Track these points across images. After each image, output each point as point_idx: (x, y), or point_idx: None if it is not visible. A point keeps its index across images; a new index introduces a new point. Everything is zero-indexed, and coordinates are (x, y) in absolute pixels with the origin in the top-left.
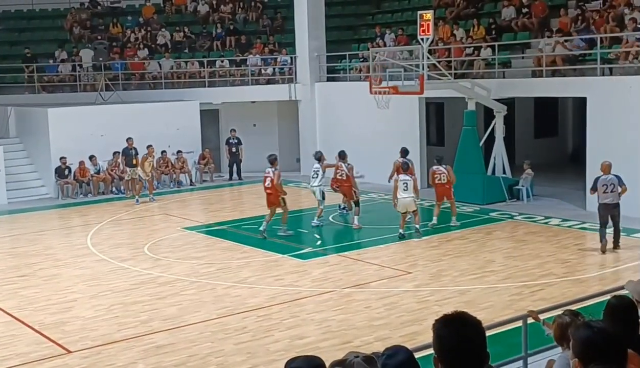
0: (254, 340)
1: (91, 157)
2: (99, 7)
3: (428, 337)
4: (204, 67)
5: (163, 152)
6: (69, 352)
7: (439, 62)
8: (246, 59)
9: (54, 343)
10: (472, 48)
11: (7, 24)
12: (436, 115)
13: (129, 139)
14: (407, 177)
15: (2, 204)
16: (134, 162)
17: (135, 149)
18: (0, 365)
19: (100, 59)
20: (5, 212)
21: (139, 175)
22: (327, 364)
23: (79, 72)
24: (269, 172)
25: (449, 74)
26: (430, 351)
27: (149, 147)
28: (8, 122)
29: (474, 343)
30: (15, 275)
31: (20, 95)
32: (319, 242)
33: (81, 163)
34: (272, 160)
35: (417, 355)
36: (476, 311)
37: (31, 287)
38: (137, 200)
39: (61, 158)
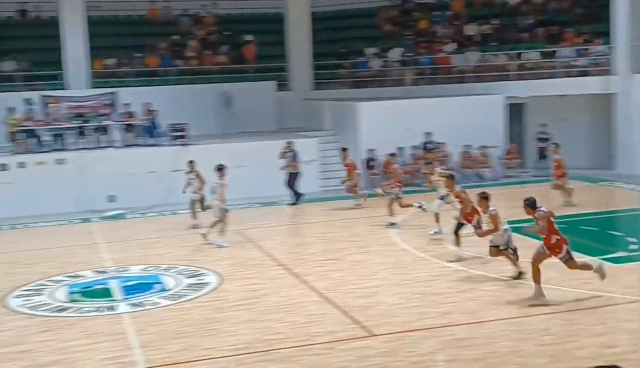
0: (557, 344)
1: (398, 149)
2: (409, 3)
3: None
4: (511, 60)
5: (466, 146)
6: (373, 334)
7: None
8: (555, 51)
9: (358, 325)
10: None
11: (325, 24)
12: None
13: (427, 133)
14: None
15: (316, 191)
16: (430, 156)
17: (433, 142)
18: (312, 340)
19: (409, 54)
20: (318, 199)
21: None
22: None
23: (388, 67)
24: None
25: None
26: None
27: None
28: (324, 116)
29: None
30: (326, 258)
31: (334, 90)
32: (634, 246)
33: (388, 155)
34: None
35: None
36: None
37: (340, 271)
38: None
39: (369, 150)
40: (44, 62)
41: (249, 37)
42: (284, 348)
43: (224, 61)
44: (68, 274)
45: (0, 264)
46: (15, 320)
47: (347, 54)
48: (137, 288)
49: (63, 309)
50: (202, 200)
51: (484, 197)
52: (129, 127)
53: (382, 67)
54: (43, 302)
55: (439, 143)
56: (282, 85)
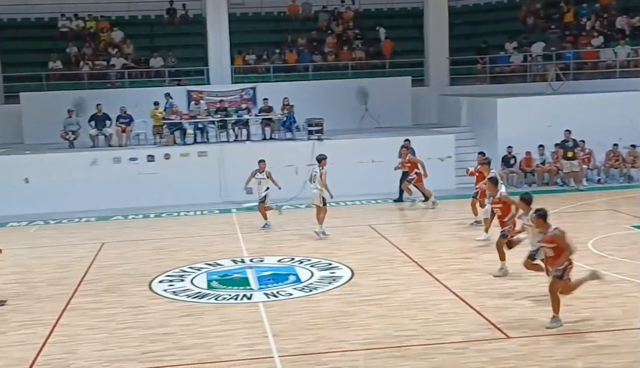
0: None
1: (540, 147)
2: None
3: None
4: None
5: (615, 145)
6: (508, 337)
7: None
8: None
9: (494, 326)
10: None
11: (463, 18)
12: None
13: (566, 131)
14: None
15: (451, 189)
16: (570, 154)
17: (573, 140)
18: (444, 339)
19: (552, 48)
20: (454, 196)
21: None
22: None
23: (529, 62)
24: None
25: None
26: None
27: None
28: (461, 112)
29: None
30: (461, 256)
31: (472, 86)
32: None
33: (527, 153)
34: None
35: None
36: None
37: (474, 270)
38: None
39: (508, 147)
40: (190, 58)
41: (384, 33)
42: (416, 345)
43: (360, 57)
44: (208, 262)
45: (146, 250)
46: (159, 304)
47: (485, 49)
48: (273, 278)
49: (203, 295)
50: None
51: (524, 200)
52: (267, 122)
53: (523, 62)
54: (185, 288)
55: (579, 141)
56: (418, 81)
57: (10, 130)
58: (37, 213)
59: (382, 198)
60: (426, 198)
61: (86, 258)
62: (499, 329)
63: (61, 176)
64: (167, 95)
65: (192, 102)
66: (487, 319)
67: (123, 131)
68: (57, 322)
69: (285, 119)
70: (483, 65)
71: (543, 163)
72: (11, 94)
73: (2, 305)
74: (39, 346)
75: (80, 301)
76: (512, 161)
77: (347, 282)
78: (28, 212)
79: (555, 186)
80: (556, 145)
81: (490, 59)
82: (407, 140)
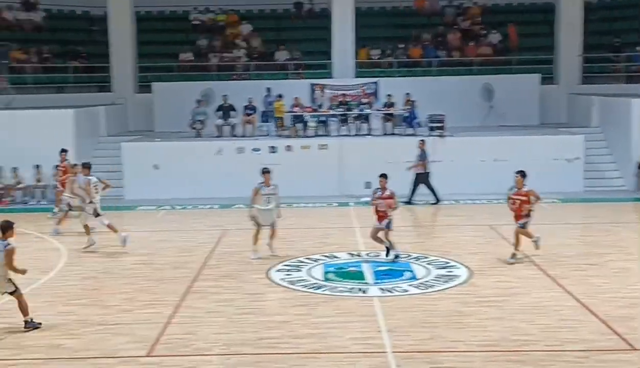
0: None
1: None
2: None
3: None
4: None
5: None
6: (634, 349)
7: None
8: None
9: (618, 336)
10: None
11: (599, 14)
12: None
13: None
14: None
15: (578, 192)
16: None
17: None
18: (565, 346)
19: None
20: (581, 199)
21: None
22: None
23: None
24: None
25: None
26: None
27: None
28: (592, 112)
29: None
30: (585, 262)
31: (605, 85)
32: None
33: None
34: None
35: None
36: None
37: (600, 277)
38: None
39: None
40: (314, 52)
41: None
42: (534, 350)
43: (487, 53)
44: (325, 254)
45: (265, 239)
46: (276, 292)
47: (620, 47)
48: (388, 274)
49: (319, 286)
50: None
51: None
52: (388, 117)
53: None
54: (301, 278)
55: None
56: (547, 79)
57: (142, 118)
58: (164, 199)
59: (503, 198)
60: (437, 200)
61: (208, 244)
62: (624, 340)
63: (188, 164)
64: (268, 89)
65: (317, 92)
66: (611, 328)
67: (248, 122)
68: (179, 304)
69: (406, 114)
70: (618, 63)
71: None
72: (144, 84)
73: (37, 328)
74: (162, 325)
75: (201, 285)
76: None
77: (464, 281)
78: (156, 197)
79: None
80: None
81: (626, 57)
82: (422, 140)
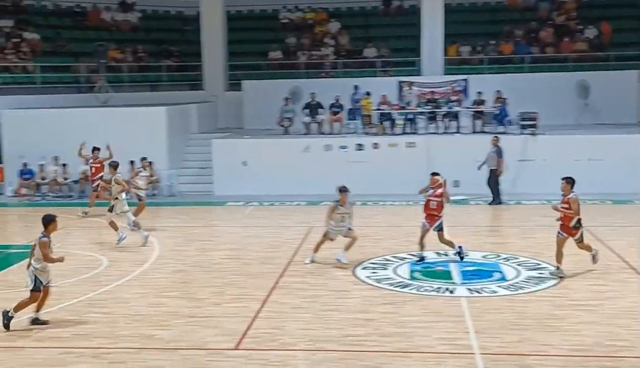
0: None
1: None
2: None
3: None
4: None
5: None
6: None
7: None
8: None
9: None
10: None
11: None
12: None
13: None
14: None
15: None
16: None
17: None
18: None
19: None
20: None
21: None
22: None
23: None
24: None
25: None
26: None
27: None
28: None
29: None
30: None
31: None
32: None
33: None
34: None
35: None
36: None
37: None
38: None
39: None
40: (403, 49)
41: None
42: (629, 357)
43: (582, 48)
44: (411, 253)
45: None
46: (361, 290)
47: None
48: (477, 274)
49: (405, 285)
50: None
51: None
52: (478, 114)
53: None
54: (387, 276)
55: None
56: None
57: (232, 115)
58: (252, 195)
59: (598, 199)
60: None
61: (295, 240)
62: None
63: (276, 161)
64: (356, 87)
65: (405, 89)
66: None
67: (335, 120)
68: (266, 299)
69: (497, 112)
70: None
71: None
72: (234, 82)
73: (45, 323)
74: (250, 319)
75: (288, 281)
76: None
77: (556, 284)
78: (244, 193)
79: None
80: None
81: None
82: (496, 136)
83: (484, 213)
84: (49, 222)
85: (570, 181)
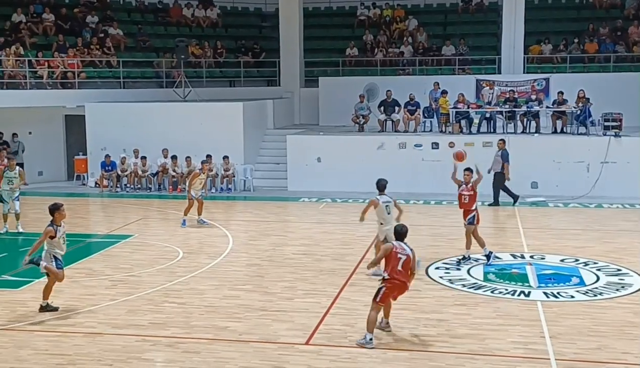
0: None
1: None
2: None
3: None
4: None
5: None
6: None
7: None
8: None
9: None
10: None
11: None
12: None
13: None
14: None
15: None
16: None
17: None
18: None
19: None
20: None
21: None
22: None
23: None
24: None
25: None
26: None
27: None
28: None
29: None
30: None
31: None
32: None
33: None
34: None
35: None
36: None
37: None
38: None
39: None
40: (482, 46)
41: None
42: None
43: None
44: (480, 254)
45: (425, 236)
46: (434, 290)
47: None
48: (554, 278)
49: (478, 287)
50: None
51: None
52: (559, 115)
53: None
54: (460, 277)
55: None
56: None
57: (308, 111)
58: (326, 191)
59: None
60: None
61: (368, 237)
62: None
63: (350, 158)
64: (434, 85)
65: (485, 88)
66: None
67: (410, 118)
68: (338, 295)
69: (579, 112)
70: None
71: None
72: (311, 78)
73: (55, 310)
74: (321, 315)
75: (359, 278)
76: None
77: (638, 290)
78: (318, 189)
79: None
80: None
81: None
82: (502, 139)
83: (563, 216)
84: (54, 210)
85: None
